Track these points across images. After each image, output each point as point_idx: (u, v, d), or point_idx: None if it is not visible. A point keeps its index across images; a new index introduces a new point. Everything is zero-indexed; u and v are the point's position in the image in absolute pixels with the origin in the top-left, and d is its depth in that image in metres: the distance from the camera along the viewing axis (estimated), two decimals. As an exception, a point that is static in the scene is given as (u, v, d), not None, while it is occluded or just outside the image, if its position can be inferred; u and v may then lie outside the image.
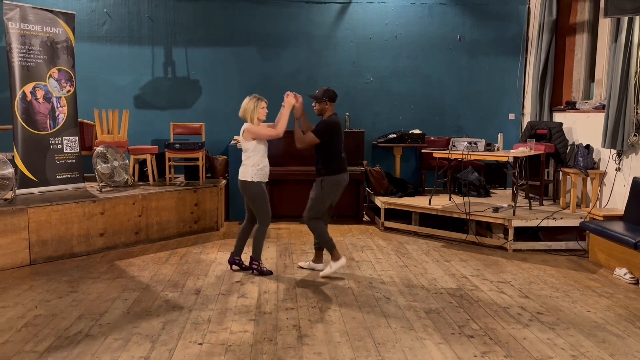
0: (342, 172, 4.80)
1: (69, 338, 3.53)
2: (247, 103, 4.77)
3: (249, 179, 4.72)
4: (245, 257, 5.09)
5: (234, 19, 7.66)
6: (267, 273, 4.91)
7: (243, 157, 4.81)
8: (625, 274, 4.84)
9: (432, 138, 7.71)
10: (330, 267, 4.81)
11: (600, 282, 4.80)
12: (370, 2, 7.77)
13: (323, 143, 4.71)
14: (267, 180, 4.83)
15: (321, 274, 4.87)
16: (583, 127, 6.64)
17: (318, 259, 5.09)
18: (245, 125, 4.74)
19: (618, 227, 5.12)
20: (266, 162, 4.83)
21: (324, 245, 4.87)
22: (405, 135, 7.52)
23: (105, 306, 4.11)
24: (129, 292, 4.44)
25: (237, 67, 7.72)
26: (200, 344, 3.47)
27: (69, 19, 6.22)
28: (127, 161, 6.53)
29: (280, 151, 7.02)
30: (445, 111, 8.00)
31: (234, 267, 5.06)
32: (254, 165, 4.73)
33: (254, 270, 4.91)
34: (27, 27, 5.84)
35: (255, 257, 4.91)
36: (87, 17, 7.41)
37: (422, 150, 7.37)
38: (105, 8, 7.47)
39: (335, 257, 4.79)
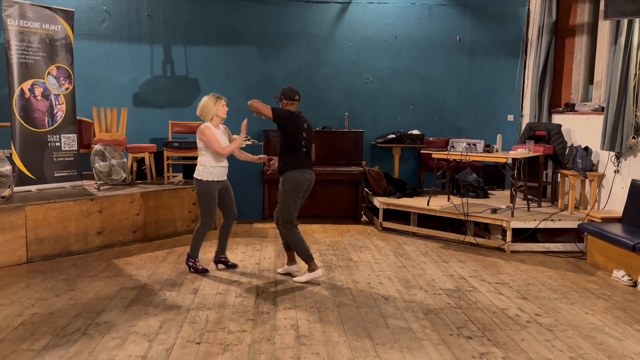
0: (300, 168, 4.56)
1: (66, 336, 3.52)
2: (207, 101, 4.71)
3: (199, 177, 4.73)
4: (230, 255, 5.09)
5: (234, 18, 7.65)
6: (203, 271, 4.91)
7: (199, 155, 4.78)
8: (623, 276, 4.84)
9: (431, 139, 7.71)
10: (305, 275, 4.71)
11: (598, 284, 4.80)
12: (370, 2, 7.77)
13: (281, 134, 4.59)
14: (219, 179, 4.77)
15: (294, 279, 4.74)
16: (582, 129, 6.65)
17: (291, 260, 4.89)
18: (202, 126, 4.69)
19: (616, 229, 5.13)
20: (219, 162, 4.76)
21: (300, 256, 4.69)
22: (405, 136, 7.52)
23: (103, 305, 4.10)
24: (127, 290, 4.42)
25: (236, 66, 7.71)
26: (198, 343, 3.46)
27: (68, 16, 6.20)
28: (125, 159, 6.51)
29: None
30: (445, 112, 8.00)
31: (220, 265, 5.06)
32: (206, 164, 4.72)
33: (190, 268, 4.94)
34: (26, 24, 5.82)
35: (193, 255, 4.93)
36: (86, 14, 7.39)
37: (421, 151, 7.37)
38: (104, 6, 7.45)
39: (311, 268, 4.69)
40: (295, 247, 4.69)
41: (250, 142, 7.16)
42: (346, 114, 7.70)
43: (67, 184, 6.18)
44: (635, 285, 4.74)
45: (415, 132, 7.61)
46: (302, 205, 4.76)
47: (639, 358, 3.36)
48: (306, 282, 4.66)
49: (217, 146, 4.66)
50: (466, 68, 7.94)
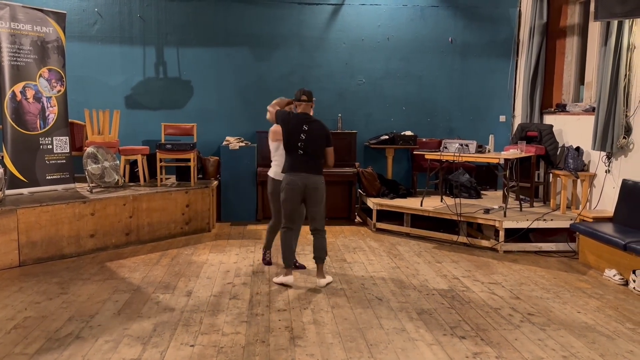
0: (290, 172, 4.53)
1: (59, 340, 3.50)
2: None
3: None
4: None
5: (226, 20, 7.65)
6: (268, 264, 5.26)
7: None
8: (614, 275, 4.88)
9: (424, 140, 7.74)
10: (279, 277, 4.71)
11: (590, 284, 4.84)
12: (362, 4, 7.78)
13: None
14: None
15: (274, 279, 4.75)
16: (573, 130, 6.70)
17: (320, 273, 4.68)
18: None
19: (607, 229, 5.17)
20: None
21: (282, 257, 4.71)
22: (397, 137, 7.54)
23: (96, 308, 4.08)
24: (120, 293, 4.41)
25: (229, 68, 7.70)
26: (192, 345, 3.45)
27: (59, 18, 6.17)
28: (118, 162, 6.49)
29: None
30: (437, 113, 8.03)
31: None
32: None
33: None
34: (17, 26, 5.79)
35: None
36: (77, 16, 7.36)
37: (414, 152, 7.40)
38: (96, 7, 7.43)
39: (286, 272, 4.66)
40: (282, 248, 4.71)
41: (243, 144, 7.16)
42: (339, 115, 7.71)
43: (59, 187, 6.15)
44: (626, 284, 4.78)
45: (408, 133, 7.64)
46: (312, 209, 4.64)
47: (631, 356, 3.39)
48: (280, 284, 4.67)
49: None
50: (458, 69, 7.98)
